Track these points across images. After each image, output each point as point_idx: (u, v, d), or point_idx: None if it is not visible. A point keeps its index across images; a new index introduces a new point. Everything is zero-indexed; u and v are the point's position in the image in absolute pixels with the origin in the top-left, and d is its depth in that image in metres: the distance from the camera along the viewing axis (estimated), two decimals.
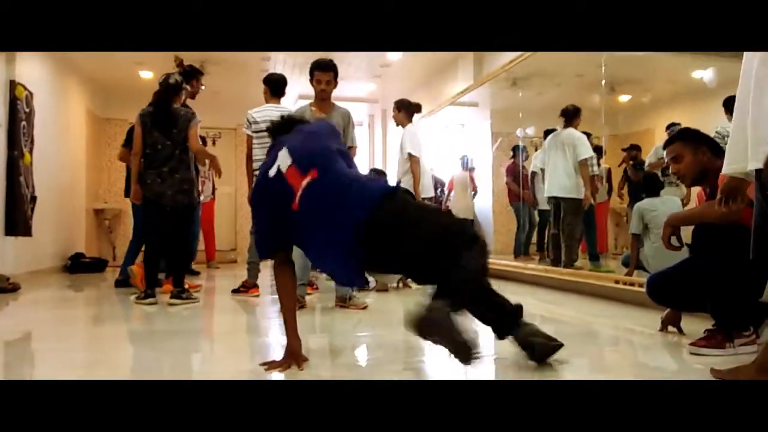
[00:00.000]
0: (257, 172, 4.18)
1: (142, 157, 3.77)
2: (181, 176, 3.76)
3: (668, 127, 4.71)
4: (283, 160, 2.08)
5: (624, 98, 5.89)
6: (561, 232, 4.95)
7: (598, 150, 5.04)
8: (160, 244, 3.83)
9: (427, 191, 5.01)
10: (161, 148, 3.73)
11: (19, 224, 5.30)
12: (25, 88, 5.50)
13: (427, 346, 2.38)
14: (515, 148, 6.44)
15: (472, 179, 7.36)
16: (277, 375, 1.94)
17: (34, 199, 5.59)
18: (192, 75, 4.53)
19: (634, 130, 5.61)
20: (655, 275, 2.59)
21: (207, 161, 4.04)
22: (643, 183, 4.29)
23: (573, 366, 2.09)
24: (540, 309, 3.91)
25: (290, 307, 2.12)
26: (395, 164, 5.05)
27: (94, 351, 2.64)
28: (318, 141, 2.16)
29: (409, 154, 4.72)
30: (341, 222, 1.85)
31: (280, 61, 7.19)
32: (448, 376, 2.06)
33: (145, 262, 3.91)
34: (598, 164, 5.09)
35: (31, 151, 5.57)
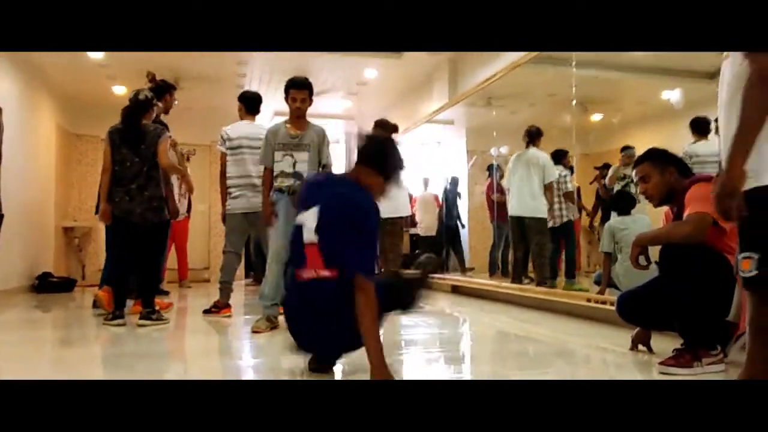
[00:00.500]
0: (231, 190, 4.19)
1: (111, 174, 3.71)
2: (150, 193, 3.69)
3: (623, 150, 4.85)
4: (309, 228, 2.06)
5: (596, 117, 6.00)
6: (530, 251, 5.01)
7: (570, 168, 5.13)
8: (129, 262, 3.75)
9: (402, 210, 5.05)
10: (129, 165, 3.66)
11: None
12: None
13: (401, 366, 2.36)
14: (490, 167, 6.52)
15: (436, 198, 7.50)
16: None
17: (0, 216, 5.45)
18: (165, 90, 4.47)
19: (605, 149, 5.71)
20: (625, 294, 2.62)
21: (178, 178, 3.98)
22: (614, 201, 4.36)
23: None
24: (514, 328, 3.92)
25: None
26: None
27: (59, 374, 2.56)
28: (340, 229, 2.03)
29: None
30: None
31: (255, 78, 7.18)
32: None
33: (113, 282, 3.82)
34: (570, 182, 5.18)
35: None
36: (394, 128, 5.25)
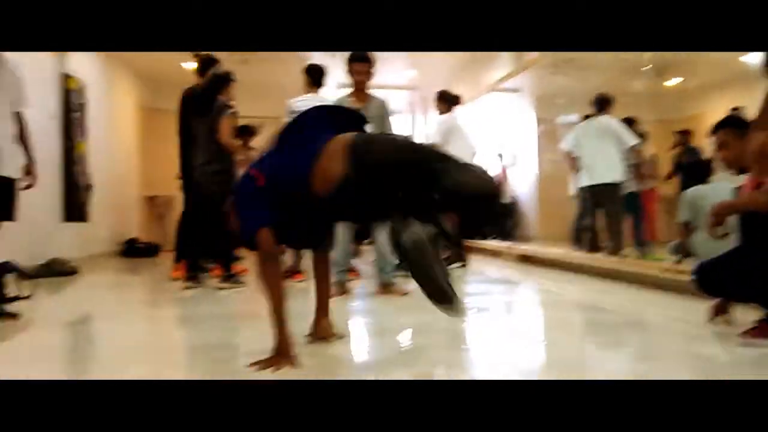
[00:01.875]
0: None
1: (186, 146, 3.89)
2: (217, 166, 3.85)
3: (731, 111, 4.54)
4: None
5: (671, 83, 5.72)
6: (609, 218, 4.89)
7: (642, 136, 4.94)
8: (202, 230, 3.98)
9: None
10: (198, 136, 3.86)
11: (76, 211, 5.55)
12: (78, 80, 5.72)
13: (470, 334, 2.41)
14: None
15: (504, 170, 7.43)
16: (267, 374, 1.82)
17: (89, 186, 5.85)
18: (210, 64, 4.65)
19: (682, 115, 5.46)
20: (703, 264, 2.54)
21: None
22: (692, 169, 4.19)
23: (621, 355, 2.09)
24: (586, 298, 3.88)
25: (282, 300, 1.95)
26: None
27: (151, 333, 2.78)
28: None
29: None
30: None
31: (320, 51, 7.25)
32: (488, 365, 2.09)
33: (188, 252, 4.06)
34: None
35: (85, 141, 5.82)
36: (456, 99, 5.25)
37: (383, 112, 3.63)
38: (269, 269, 1.92)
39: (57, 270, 4.66)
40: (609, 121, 4.89)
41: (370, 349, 2.37)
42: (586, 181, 4.98)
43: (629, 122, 5.03)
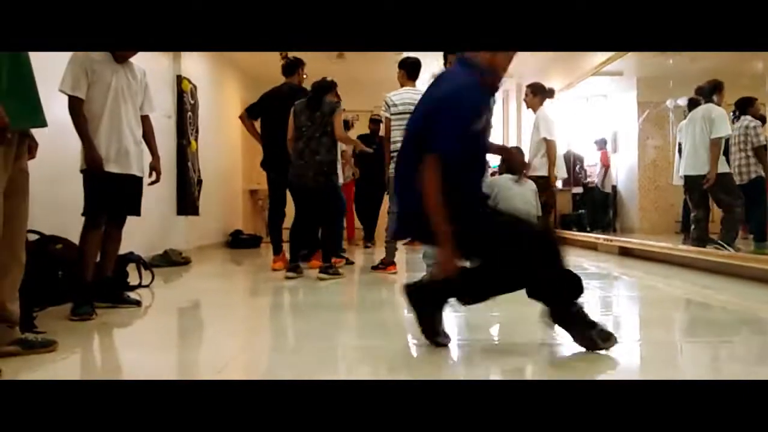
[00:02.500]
0: (394, 154, 4.39)
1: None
2: (321, 158, 4.05)
3: None
4: None
5: None
6: (724, 210, 4.60)
7: (761, 118, 4.55)
8: (304, 221, 4.19)
9: (560, 172, 4.99)
10: (305, 130, 4.08)
11: (188, 205, 5.99)
12: (190, 82, 6.15)
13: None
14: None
15: (604, 155, 7.10)
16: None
17: (200, 182, 6.29)
18: (296, 65, 4.91)
19: None
20: None
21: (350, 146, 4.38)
22: None
23: (736, 354, 1.97)
24: (693, 293, 3.67)
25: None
26: (528, 145, 5.13)
27: (254, 320, 2.98)
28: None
29: (545, 139, 4.83)
30: None
31: None
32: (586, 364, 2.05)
33: (291, 239, 4.28)
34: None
35: (196, 139, 6.25)
36: (551, 92, 5.16)
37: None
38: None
39: (173, 260, 5.06)
40: (711, 108, 4.58)
41: (466, 344, 2.40)
42: (688, 170, 4.76)
43: (747, 102, 4.66)
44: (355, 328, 2.66)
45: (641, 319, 2.97)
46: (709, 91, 4.64)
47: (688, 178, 4.80)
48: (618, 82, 6.99)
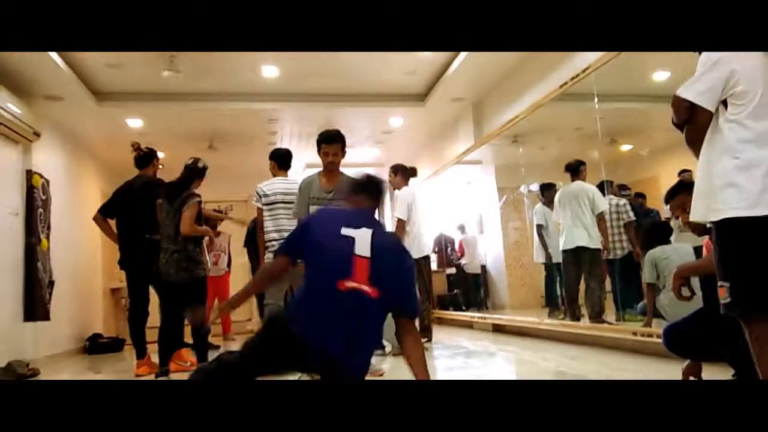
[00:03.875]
0: (269, 243, 4.29)
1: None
2: (181, 254, 3.89)
3: (680, 174, 4.74)
4: (362, 244, 2.04)
5: (625, 148, 5.99)
6: (594, 283, 4.88)
7: (626, 197, 5.09)
8: (174, 319, 3.96)
9: (421, 251, 5.13)
10: (165, 226, 3.94)
11: (37, 309, 5.36)
12: (42, 176, 5.69)
13: None
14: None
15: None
16: None
17: (51, 283, 5.69)
18: (150, 157, 4.77)
19: (635, 178, 5.67)
20: (671, 326, 2.58)
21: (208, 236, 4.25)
22: (652, 231, 4.31)
23: None
24: (560, 365, 3.86)
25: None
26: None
27: None
28: (401, 272, 2.14)
29: (397, 218, 4.93)
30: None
31: (286, 134, 7.43)
32: None
33: (159, 341, 3.95)
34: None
35: (48, 237, 5.71)
36: (413, 171, 5.38)
37: None
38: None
39: (18, 373, 4.44)
40: (584, 185, 5.02)
41: None
42: (566, 245, 5.02)
43: (609, 185, 5.16)
44: None
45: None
46: (576, 167, 5.06)
47: (574, 252, 4.98)
48: (479, 169, 7.56)
